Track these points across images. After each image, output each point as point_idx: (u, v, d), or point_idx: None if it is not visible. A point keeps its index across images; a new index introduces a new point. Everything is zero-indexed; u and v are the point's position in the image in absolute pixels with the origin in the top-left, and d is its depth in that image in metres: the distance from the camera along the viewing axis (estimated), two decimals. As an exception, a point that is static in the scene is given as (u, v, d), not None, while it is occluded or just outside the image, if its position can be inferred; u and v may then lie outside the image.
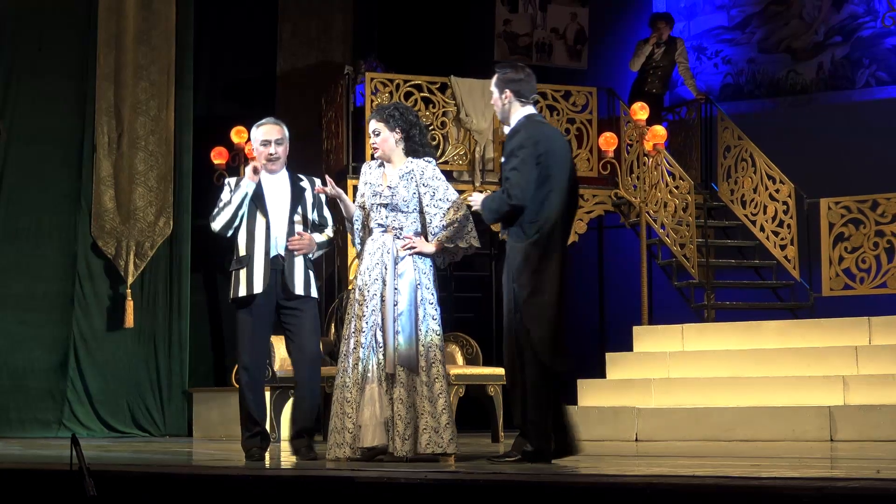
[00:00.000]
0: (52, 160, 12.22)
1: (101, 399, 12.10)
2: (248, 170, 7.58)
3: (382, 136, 7.36)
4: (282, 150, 7.72)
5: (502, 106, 7.11)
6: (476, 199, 7.11)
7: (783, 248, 12.27)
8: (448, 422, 7.10)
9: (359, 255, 7.43)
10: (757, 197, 12.54)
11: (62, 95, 12.29)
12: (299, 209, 7.63)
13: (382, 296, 7.17)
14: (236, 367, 7.76)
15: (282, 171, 7.74)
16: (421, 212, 7.28)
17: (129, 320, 12.16)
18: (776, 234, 12.35)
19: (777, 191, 12.37)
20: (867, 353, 10.18)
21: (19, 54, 12.17)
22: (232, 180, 7.73)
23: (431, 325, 7.17)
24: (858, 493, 4.89)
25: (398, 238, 7.25)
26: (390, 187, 7.28)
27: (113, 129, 12.31)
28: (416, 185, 7.26)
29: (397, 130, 7.32)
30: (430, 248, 7.25)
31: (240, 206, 7.55)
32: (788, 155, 12.90)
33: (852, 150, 13.24)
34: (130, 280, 12.20)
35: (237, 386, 7.74)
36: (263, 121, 7.79)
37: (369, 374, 7.15)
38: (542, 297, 6.86)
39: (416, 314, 7.16)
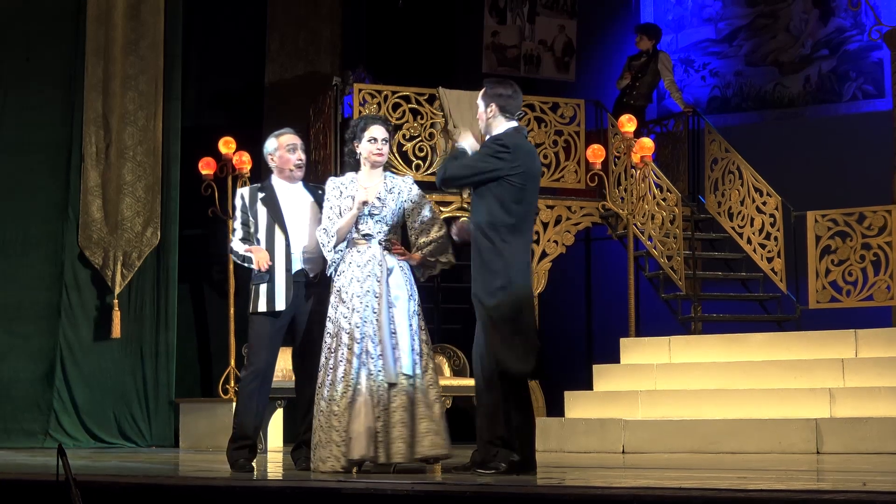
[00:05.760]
0: (39, 170, 12.19)
1: (87, 409, 12.06)
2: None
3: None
4: (304, 157, 7.75)
5: (486, 119, 7.18)
6: (466, 143, 7.16)
7: (770, 260, 12.28)
8: (445, 426, 7.24)
9: (333, 264, 7.42)
10: (744, 209, 12.55)
11: (50, 105, 12.26)
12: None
13: (376, 308, 7.20)
14: (244, 371, 7.67)
15: (298, 182, 7.74)
16: (403, 226, 7.39)
17: (116, 331, 12.13)
18: (763, 246, 12.36)
19: (764, 203, 12.38)
20: (853, 365, 10.19)
21: (7, 64, 12.14)
22: (245, 191, 7.72)
23: (423, 335, 7.32)
24: (844, 506, 4.90)
25: (387, 249, 7.30)
26: (380, 199, 7.32)
27: (101, 139, 12.28)
28: (402, 202, 7.37)
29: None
30: (413, 258, 7.38)
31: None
32: (775, 168, 12.92)
33: (839, 163, 13.26)
34: (117, 290, 12.17)
35: (238, 391, 7.70)
36: (282, 130, 7.85)
37: (360, 386, 7.16)
38: (505, 306, 6.94)
39: (412, 324, 7.28)
